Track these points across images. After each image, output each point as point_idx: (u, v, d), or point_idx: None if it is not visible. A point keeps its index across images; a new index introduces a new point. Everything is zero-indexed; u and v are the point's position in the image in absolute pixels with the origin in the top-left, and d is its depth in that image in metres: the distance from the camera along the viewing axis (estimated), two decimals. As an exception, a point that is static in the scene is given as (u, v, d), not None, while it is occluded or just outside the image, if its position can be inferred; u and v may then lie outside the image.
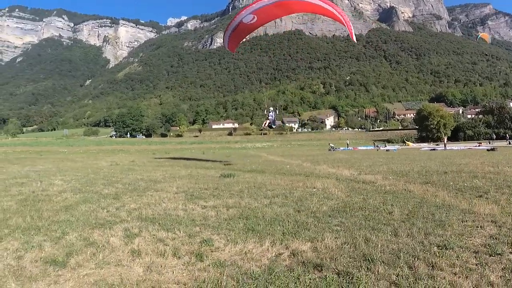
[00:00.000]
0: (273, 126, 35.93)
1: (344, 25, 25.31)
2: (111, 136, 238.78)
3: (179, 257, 8.03)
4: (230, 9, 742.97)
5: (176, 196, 16.10)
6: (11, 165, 42.50)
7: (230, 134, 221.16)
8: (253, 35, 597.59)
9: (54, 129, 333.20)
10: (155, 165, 36.41)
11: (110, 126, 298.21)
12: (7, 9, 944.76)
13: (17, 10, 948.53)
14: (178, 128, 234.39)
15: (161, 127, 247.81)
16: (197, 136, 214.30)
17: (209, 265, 7.45)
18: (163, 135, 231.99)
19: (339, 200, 13.77)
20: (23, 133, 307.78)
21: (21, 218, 12.32)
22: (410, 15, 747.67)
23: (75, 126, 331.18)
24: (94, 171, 31.10)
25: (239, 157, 48.08)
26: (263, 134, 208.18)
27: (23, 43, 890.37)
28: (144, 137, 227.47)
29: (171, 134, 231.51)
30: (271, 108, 35.89)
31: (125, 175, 26.08)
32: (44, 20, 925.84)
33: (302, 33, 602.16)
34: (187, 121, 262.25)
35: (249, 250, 8.22)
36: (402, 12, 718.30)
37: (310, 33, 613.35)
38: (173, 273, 7.19)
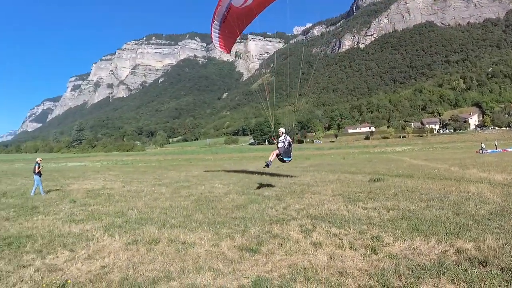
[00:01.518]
0: (286, 160, 20.88)
1: None
2: (250, 144, 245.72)
3: (355, 249, 9.11)
4: (354, 9, 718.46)
5: (334, 198, 17.19)
6: (168, 171, 46.82)
7: (367, 138, 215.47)
8: (381, 32, 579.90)
9: (197, 139, 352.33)
10: (300, 171, 37.12)
11: (248, 135, 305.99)
12: (144, 38, 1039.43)
13: (154, 38, 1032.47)
14: (314, 134, 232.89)
15: (296, 134, 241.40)
16: (333, 141, 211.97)
17: (383, 257, 8.38)
18: (300, 141, 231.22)
19: (495, 205, 13.64)
20: (169, 143, 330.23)
21: (202, 215, 14.61)
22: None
23: (216, 136, 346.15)
24: (246, 176, 33.32)
25: (381, 162, 46.82)
26: (402, 137, 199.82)
27: (163, 66, 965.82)
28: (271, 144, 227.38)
29: (308, 140, 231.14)
30: (282, 130, 21.48)
31: (277, 179, 27.72)
32: (179, 43, 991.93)
33: (433, 24, 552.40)
34: (322, 126, 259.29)
35: (417, 247, 8.93)
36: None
37: (442, 23, 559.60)
38: (353, 261, 8.25)
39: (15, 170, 61.19)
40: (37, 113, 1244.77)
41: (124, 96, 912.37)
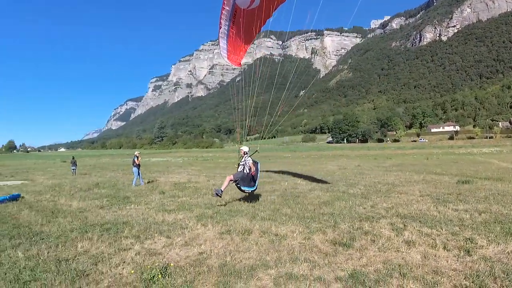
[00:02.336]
0: (246, 190, 16.21)
1: None
2: (328, 142, 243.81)
3: (448, 250, 8.91)
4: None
5: (422, 198, 16.75)
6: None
7: (451, 138, 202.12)
8: (464, 23, 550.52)
9: (274, 137, 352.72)
10: (383, 170, 36.00)
11: (326, 133, 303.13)
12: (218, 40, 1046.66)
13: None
14: (394, 132, 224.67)
15: (376, 132, 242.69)
16: (415, 141, 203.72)
17: (478, 259, 8.15)
18: (380, 140, 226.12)
19: None
20: (247, 140, 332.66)
21: (289, 209, 14.81)
22: None
23: (293, 134, 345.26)
24: (328, 173, 33.16)
25: (467, 164, 44.64)
26: (489, 137, 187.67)
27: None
28: (350, 143, 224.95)
29: (388, 139, 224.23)
30: (244, 150, 17.00)
31: (360, 178, 27.30)
32: (254, 42, 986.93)
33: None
34: (403, 125, 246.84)
35: (511, 251, 8.61)
36: None
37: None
38: (447, 262, 8.11)
39: (103, 164, 64.88)
40: (121, 112, 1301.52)
41: (203, 95, 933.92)
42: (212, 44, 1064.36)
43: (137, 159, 26.65)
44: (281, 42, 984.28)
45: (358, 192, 19.54)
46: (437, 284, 7.00)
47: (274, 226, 11.59)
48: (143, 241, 10.37)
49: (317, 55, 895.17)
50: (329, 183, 24.13)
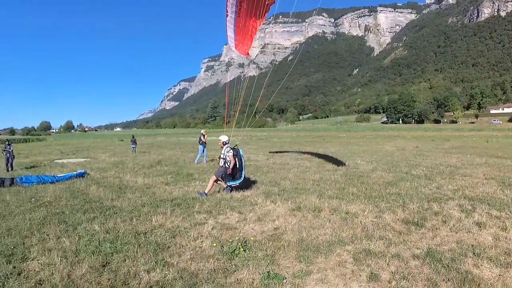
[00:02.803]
0: (233, 184, 14.06)
1: None
2: (382, 122, 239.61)
3: None
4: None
5: (487, 181, 16.41)
6: (304, 147, 47.35)
7: (511, 120, 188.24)
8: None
9: (327, 116, 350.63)
10: (443, 152, 34.76)
11: (380, 113, 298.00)
12: (272, 17, 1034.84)
13: (280, 16, 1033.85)
14: (452, 113, 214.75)
15: (433, 113, 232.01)
16: (473, 123, 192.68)
17: None
18: (436, 121, 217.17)
19: None
20: (299, 120, 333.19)
21: (355, 188, 14.83)
22: None
23: (346, 113, 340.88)
24: (387, 154, 32.64)
25: None
26: None
27: (291, 44, 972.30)
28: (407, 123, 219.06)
29: (445, 120, 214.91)
30: (223, 140, 14.70)
31: (420, 159, 26.75)
32: (306, 20, 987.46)
33: None
34: (461, 105, 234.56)
35: None
36: None
37: None
38: None
39: (159, 143, 66.70)
40: (174, 93, 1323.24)
41: (255, 74, 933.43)
42: (263, 23, 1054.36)
43: (203, 137, 27.04)
44: (333, 20, 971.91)
45: (421, 173, 19.26)
46: (510, 265, 7.02)
47: (344, 204, 11.66)
48: (216, 216, 10.60)
49: (370, 32, 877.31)
50: (389, 164, 23.82)
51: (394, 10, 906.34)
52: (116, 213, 11.20)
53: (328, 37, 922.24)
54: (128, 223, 9.99)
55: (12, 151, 25.04)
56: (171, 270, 6.81)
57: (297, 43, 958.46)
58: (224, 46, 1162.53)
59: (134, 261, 7.20)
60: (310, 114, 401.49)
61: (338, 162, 24.80)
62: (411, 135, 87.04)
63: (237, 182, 13.81)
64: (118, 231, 9.14)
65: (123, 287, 6.21)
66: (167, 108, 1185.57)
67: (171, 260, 7.31)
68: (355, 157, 29.42)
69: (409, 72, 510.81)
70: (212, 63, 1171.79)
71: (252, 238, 8.53)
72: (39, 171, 23.17)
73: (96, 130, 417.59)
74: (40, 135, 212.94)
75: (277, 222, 9.87)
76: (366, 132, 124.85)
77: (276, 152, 34.99)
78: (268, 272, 6.68)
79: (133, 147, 42.39)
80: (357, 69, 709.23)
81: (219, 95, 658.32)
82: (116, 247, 7.99)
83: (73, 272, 6.73)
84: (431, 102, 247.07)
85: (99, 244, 8.16)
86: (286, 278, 6.54)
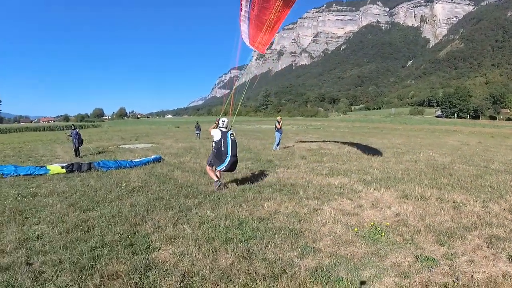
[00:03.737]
0: (219, 169, 12.87)
1: None
2: (436, 116, 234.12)
3: None
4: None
5: None
6: (367, 137, 47.05)
7: None
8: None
9: (380, 108, 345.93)
10: (509, 149, 33.53)
11: (433, 106, 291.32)
12: (325, 5, 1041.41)
13: (334, 4, 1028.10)
14: (508, 110, 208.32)
15: (489, 109, 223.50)
16: None
17: None
18: (492, 118, 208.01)
19: None
20: (351, 111, 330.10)
21: (445, 179, 14.91)
22: None
23: (399, 106, 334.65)
24: (454, 148, 32.12)
25: None
26: None
27: (345, 33, 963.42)
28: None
29: (501, 117, 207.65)
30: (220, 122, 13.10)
31: (491, 155, 26.30)
32: (360, 9, 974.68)
33: None
34: None
35: None
36: None
37: None
38: None
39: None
40: (225, 81, 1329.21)
41: (307, 63, 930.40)
42: (316, 12, 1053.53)
43: (278, 124, 27.29)
44: (388, 9, 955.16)
45: (501, 168, 18.93)
46: None
47: (446, 194, 11.88)
48: (327, 203, 10.76)
49: (426, 23, 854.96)
50: (462, 158, 23.48)
51: (452, 1, 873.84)
52: (219, 198, 11.20)
53: (383, 27, 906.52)
54: (241, 208, 10.00)
55: (78, 136, 24.48)
56: (323, 256, 6.83)
57: (350, 32, 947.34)
58: (276, 34, 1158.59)
59: (277, 247, 7.26)
60: (362, 105, 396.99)
61: (412, 153, 24.88)
62: (469, 131, 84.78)
63: (222, 166, 12.57)
64: (239, 217, 9.14)
65: (283, 276, 6.02)
66: (218, 95, 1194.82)
67: (316, 245, 7.35)
68: (424, 149, 28.98)
69: (465, 65, 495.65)
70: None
71: (387, 223, 8.67)
72: (109, 157, 23.76)
73: (148, 117, 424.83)
74: (94, 121, 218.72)
75: (393, 209, 10.02)
76: (422, 125, 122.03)
77: (343, 142, 34.50)
78: (417, 255, 6.86)
79: (197, 133, 43.26)
80: (411, 61, 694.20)
81: (270, 84, 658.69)
82: (244, 234, 7.91)
83: (218, 262, 6.56)
84: (487, 98, 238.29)
85: (226, 231, 8.09)
86: (438, 260, 6.69)
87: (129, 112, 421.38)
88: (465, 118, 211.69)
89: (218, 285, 5.75)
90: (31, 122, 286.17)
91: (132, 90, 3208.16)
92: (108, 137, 50.00)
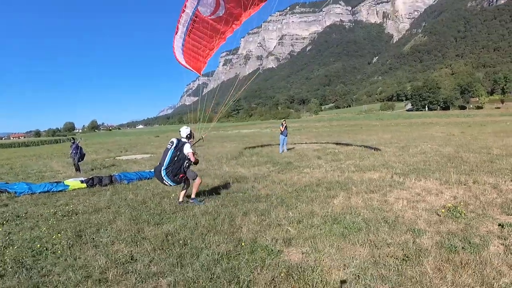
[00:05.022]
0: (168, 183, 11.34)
1: None
2: (408, 110, 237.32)
3: None
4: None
5: None
6: (355, 135, 48.68)
7: None
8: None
9: (349, 106, 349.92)
10: (492, 136, 34.64)
11: (402, 100, 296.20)
12: (288, 8, 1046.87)
13: (297, 7, 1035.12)
14: (477, 99, 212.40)
15: (457, 99, 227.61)
16: (498, 108, 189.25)
17: None
18: (462, 108, 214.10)
19: None
20: (322, 110, 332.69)
21: (465, 166, 15.87)
22: None
23: (369, 102, 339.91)
24: (444, 139, 32.84)
25: None
26: None
27: (309, 34, 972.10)
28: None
29: (470, 106, 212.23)
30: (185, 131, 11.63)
31: (483, 143, 27.05)
32: (323, 10, 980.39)
33: None
34: (485, 91, 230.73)
35: None
36: None
37: None
38: None
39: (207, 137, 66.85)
40: (193, 88, 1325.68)
41: (274, 66, 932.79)
42: (280, 15, 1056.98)
43: (282, 127, 27.79)
44: (350, 8, 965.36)
45: (502, 153, 20.04)
46: None
47: (478, 178, 12.99)
48: (388, 194, 11.44)
49: (388, 19, 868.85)
50: (460, 147, 24.26)
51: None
52: (283, 200, 11.32)
53: (346, 26, 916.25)
54: (316, 206, 10.31)
55: (80, 150, 22.46)
56: (433, 234, 7.73)
57: (315, 33, 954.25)
58: (242, 39, 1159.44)
59: (391, 234, 7.79)
60: (332, 104, 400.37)
61: (413, 147, 25.72)
62: (444, 122, 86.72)
63: (171, 184, 11.28)
64: (326, 214, 9.38)
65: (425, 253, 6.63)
66: (187, 103, 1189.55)
67: (418, 227, 8.09)
68: (419, 142, 29.80)
69: (430, 58, 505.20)
70: (230, 57, 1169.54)
71: (461, 203, 9.69)
72: (117, 170, 22.67)
73: (119, 128, 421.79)
74: (66, 135, 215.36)
75: (447, 194, 11.11)
76: (397, 120, 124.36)
77: (337, 143, 34.55)
78: (499, 224, 8.04)
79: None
80: (376, 57, 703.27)
81: (239, 88, 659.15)
82: (349, 226, 8.32)
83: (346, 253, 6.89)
84: (455, 88, 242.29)
85: (329, 228, 8.28)
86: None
87: (100, 124, 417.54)
88: (435, 110, 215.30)
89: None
90: (1, 139, 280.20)
91: (100, 102, 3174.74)
92: (92, 150, 48.49)
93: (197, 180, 11.52)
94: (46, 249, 7.84)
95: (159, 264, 6.73)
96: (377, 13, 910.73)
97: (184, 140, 11.20)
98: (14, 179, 20.17)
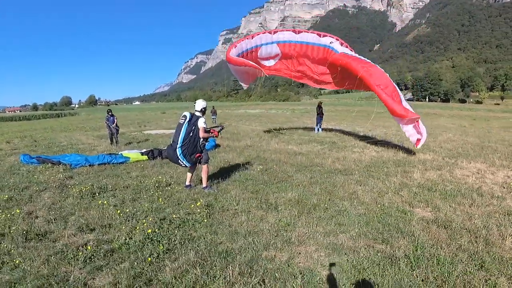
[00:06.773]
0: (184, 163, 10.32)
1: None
2: (407, 100, 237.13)
3: None
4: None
5: None
6: (373, 121, 48.21)
7: None
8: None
9: (349, 92, 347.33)
10: (503, 130, 35.83)
11: (402, 89, 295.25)
12: None
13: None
14: (477, 94, 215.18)
15: (458, 92, 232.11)
16: (498, 104, 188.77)
17: None
18: (462, 101, 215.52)
19: None
20: (321, 94, 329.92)
21: (499, 154, 17.09)
22: None
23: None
24: (461, 130, 34.27)
25: None
26: None
27: (312, 17, 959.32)
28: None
29: (470, 100, 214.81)
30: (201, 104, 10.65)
31: (500, 136, 27.98)
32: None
33: None
34: (485, 86, 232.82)
35: None
36: None
37: None
38: None
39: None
40: (191, 66, 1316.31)
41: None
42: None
43: (319, 108, 28.90)
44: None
45: None
46: None
47: None
48: (451, 172, 12.89)
49: (393, 7, 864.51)
50: (482, 138, 25.25)
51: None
52: (369, 173, 12.62)
53: (350, 11, 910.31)
54: (402, 179, 11.71)
55: (116, 123, 22.67)
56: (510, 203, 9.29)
57: (317, 17, 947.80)
58: (243, 18, 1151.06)
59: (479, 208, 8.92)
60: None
61: (438, 135, 26.76)
62: (448, 114, 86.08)
63: (187, 164, 10.56)
64: (418, 185, 10.92)
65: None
66: (184, 81, 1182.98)
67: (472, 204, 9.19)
68: (439, 131, 30.67)
69: (432, 50, 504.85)
70: (230, 36, 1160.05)
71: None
72: (156, 143, 22.40)
73: (116, 104, 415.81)
74: (64, 109, 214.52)
75: (501, 174, 12.65)
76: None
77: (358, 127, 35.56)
78: None
79: (213, 118, 43.58)
80: (378, 45, 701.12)
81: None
82: (445, 193, 9.92)
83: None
84: (456, 82, 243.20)
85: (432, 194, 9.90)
86: None
87: (98, 99, 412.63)
88: (435, 101, 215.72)
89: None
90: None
91: (97, 76, 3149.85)
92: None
93: (205, 167, 10.63)
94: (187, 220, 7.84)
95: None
96: (381, 1, 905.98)
97: (198, 114, 10.42)
98: (50, 152, 19.21)
